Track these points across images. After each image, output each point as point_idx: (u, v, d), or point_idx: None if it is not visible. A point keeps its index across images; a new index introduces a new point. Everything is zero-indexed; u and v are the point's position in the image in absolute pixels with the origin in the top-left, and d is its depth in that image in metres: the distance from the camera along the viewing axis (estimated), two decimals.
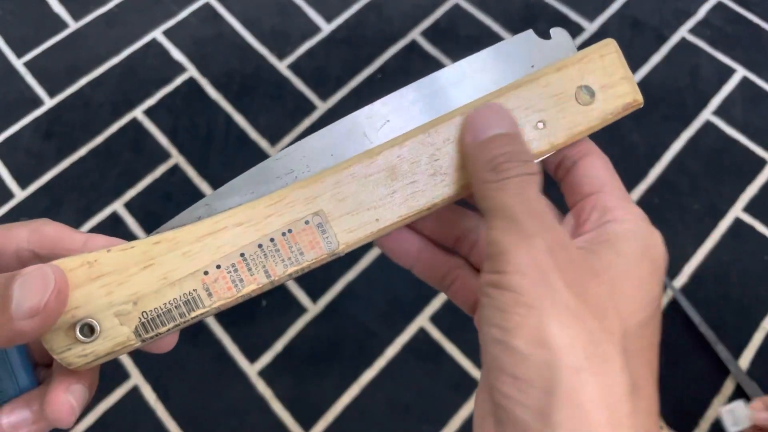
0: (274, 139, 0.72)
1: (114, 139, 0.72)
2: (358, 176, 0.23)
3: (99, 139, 0.72)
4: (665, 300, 0.63)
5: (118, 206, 0.68)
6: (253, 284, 0.23)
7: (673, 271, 0.65)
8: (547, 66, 0.25)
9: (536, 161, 0.24)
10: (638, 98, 0.25)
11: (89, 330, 0.22)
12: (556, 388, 0.19)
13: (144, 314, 0.22)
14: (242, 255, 0.23)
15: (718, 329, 0.61)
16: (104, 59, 0.77)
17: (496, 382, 0.20)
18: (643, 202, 0.68)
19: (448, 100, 0.25)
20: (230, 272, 0.23)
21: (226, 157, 0.71)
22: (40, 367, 0.25)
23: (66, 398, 0.23)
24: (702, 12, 0.80)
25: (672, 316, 0.62)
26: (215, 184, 0.69)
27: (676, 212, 0.68)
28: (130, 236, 0.66)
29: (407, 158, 0.24)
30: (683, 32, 0.79)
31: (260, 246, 0.23)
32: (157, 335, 0.22)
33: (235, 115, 0.73)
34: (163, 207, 0.68)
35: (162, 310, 0.22)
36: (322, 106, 0.74)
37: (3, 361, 0.24)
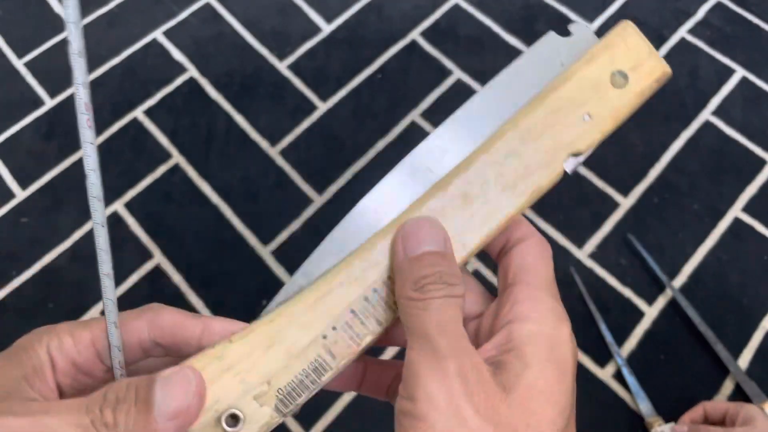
0: (274, 140, 0.72)
1: (114, 139, 0.72)
2: (435, 210, 0.24)
3: (99, 139, 0.72)
4: (665, 300, 0.63)
5: (118, 206, 0.68)
6: (369, 335, 0.24)
7: (672, 270, 0.65)
8: (577, 61, 0.26)
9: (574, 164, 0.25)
10: (667, 70, 0.26)
11: (234, 419, 0.22)
12: None
13: (279, 391, 0.23)
14: (352, 311, 0.24)
15: (717, 329, 0.61)
16: (105, 59, 0.77)
17: None
18: (643, 203, 0.68)
19: (493, 116, 0.26)
20: (346, 330, 0.24)
21: (227, 157, 0.71)
22: None
23: None
24: (701, 12, 0.80)
25: (671, 316, 0.63)
26: (215, 185, 0.69)
27: (675, 212, 0.68)
28: (131, 236, 0.66)
29: (476, 181, 0.25)
30: (683, 32, 0.79)
31: (366, 299, 0.24)
32: (296, 406, 0.23)
33: (235, 115, 0.73)
34: (163, 207, 0.68)
35: (295, 383, 0.23)
36: (322, 107, 0.74)
37: None
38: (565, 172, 0.25)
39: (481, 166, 0.25)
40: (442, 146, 0.26)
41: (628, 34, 0.27)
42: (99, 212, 0.23)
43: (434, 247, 0.23)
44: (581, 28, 0.27)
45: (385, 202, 0.25)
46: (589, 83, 0.25)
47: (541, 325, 0.22)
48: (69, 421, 0.21)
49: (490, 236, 0.24)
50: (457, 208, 0.24)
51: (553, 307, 0.23)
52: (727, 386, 0.59)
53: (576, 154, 0.25)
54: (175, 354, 0.25)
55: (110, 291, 0.24)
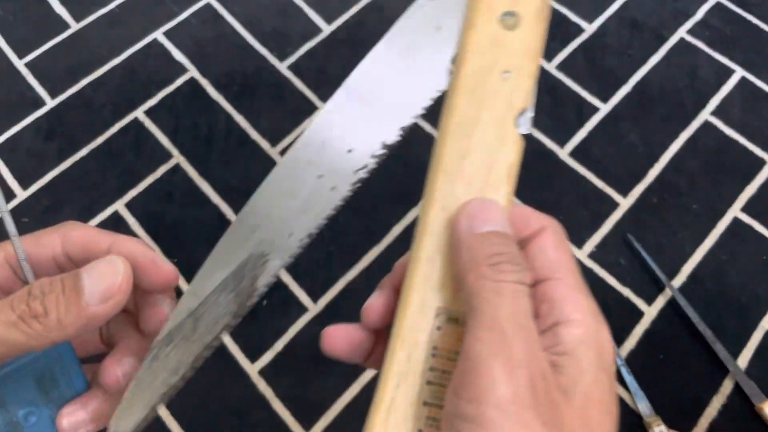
0: (274, 140, 0.72)
1: (115, 139, 0.72)
2: (432, 256, 0.23)
3: (100, 140, 0.72)
4: (664, 300, 0.63)
5: (119, 206, 0.68)
6: None
7: (672, 270, 0.65)
8: (460, 30, 0.24)
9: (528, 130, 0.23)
10: None
11: None
12: None
13: None
14: (426, 403, 0.22)
15: (716, 328, 0.61)
16: (105, 60, 0.77)
17: None
18: (642, 203, 0.68)
19: (372, 95, 0.25)
20: (431, 425, 0.21)
21: (227, 158, 0.71)
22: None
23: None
24: (701, 13, 0.81)
25: (671, 316, 0.63)
26: (216, 185, 0.69)
27: (674, 212, 0.68)
28: (131, 235, 0.66)
29: (448, 201, 0.23)
30: (682, 33, 0.79)
31: (429, 382, 0.22)
32: None
33: (235, 115, 0.74)
34: (164, 207, 0.68)
35: None
36: (322, 107, 0.74)
37: (61, 366, 0.25)
38: (525, 135, 0.24)
39: (445, 186, 0.23)
40: (323, 138, 0.24)
41: None
42: None
43: (501, 228, 0.22)
44: None
45: (268, 205, 0.24)
46: (486, 43, 0.24)
47: (586, 329, 0.21)
48: None
49: None
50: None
51: (591, 308, 0.22)
52: (727, 386, 0.59)
53: (522, 112, 0.23)
54: None
55: (2, 201, 0.24)
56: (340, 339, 0.26)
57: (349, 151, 0.25)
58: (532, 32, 0.24)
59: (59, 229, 0.26)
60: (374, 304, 0.25)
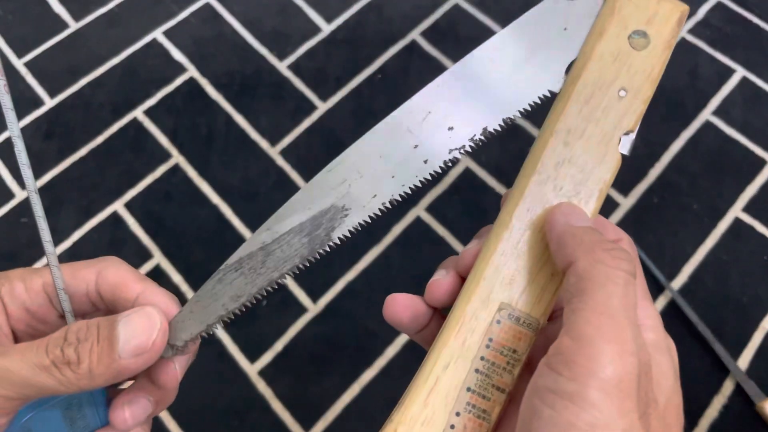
0: (274, 140, 0.72)
1: (114, 139, 0.72)
2: (508, 252, 0.23)
3: (99, 139, 0.72)
4: (665, 301, 0.63)
5: (118, 206, 0.68)
6: (496, 407, 0.22)
7: (672, 271, 0.65)
8: (588, 36, 0.24)
9: (635, 131, 0.24)
10: (683, 8, 0.25)
11: None
12: None
13: None
14: (469, 389, 0.22)
15: (717, 329, 0.61)
16: (105, 59, 0.77)
17: None
18: (643, 203, 0.68)
19: (485, 79, 0.25)
20: (470, 411, 0.22)
21: (227, 157, 0.71)
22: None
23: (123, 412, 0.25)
24: (701, 12, 0.80)
25: (671, 317, 0.63)
26: (215, 185, 0.69)
27: (675, 212, 0.68)
28: (130, 236, 0.66)
29: (535, 206, 0.23)
30: (683, 32, 0.79)
31: (477, 371, 0.22)
32: None
33: (235, 115, 0.73)
34: (163, 207, 0.68)
35: None
36: (322, 107, 0.74)
37: (89, 397, 0.25)
38: (623, 155, 0.24)
39: (534, 187, 0.23)
40: (425, 108, 0.25)
41: None
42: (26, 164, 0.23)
43: (592, 226, 0.22)
44: None
45: (359, 163, 0.25)
46: (610, 57, 0.24)
47: (658, 335, 0.22)
48: (28, 361, 0.21)
49: None
50: (530, 240, 0.23)
51: (657, 317, 0.23)
52: (727, 386, 0.59)
53: (627, 133, 0.24)
54: (114, 312, 0.25)
55: (47, 233, 0.25)
56: (405, 307, 0.26)
57: (450, 128, 0.25)
58: (658, 57, 0.24)
59: (97, 264, 0.26)
60: (443, 282, 0.25)
